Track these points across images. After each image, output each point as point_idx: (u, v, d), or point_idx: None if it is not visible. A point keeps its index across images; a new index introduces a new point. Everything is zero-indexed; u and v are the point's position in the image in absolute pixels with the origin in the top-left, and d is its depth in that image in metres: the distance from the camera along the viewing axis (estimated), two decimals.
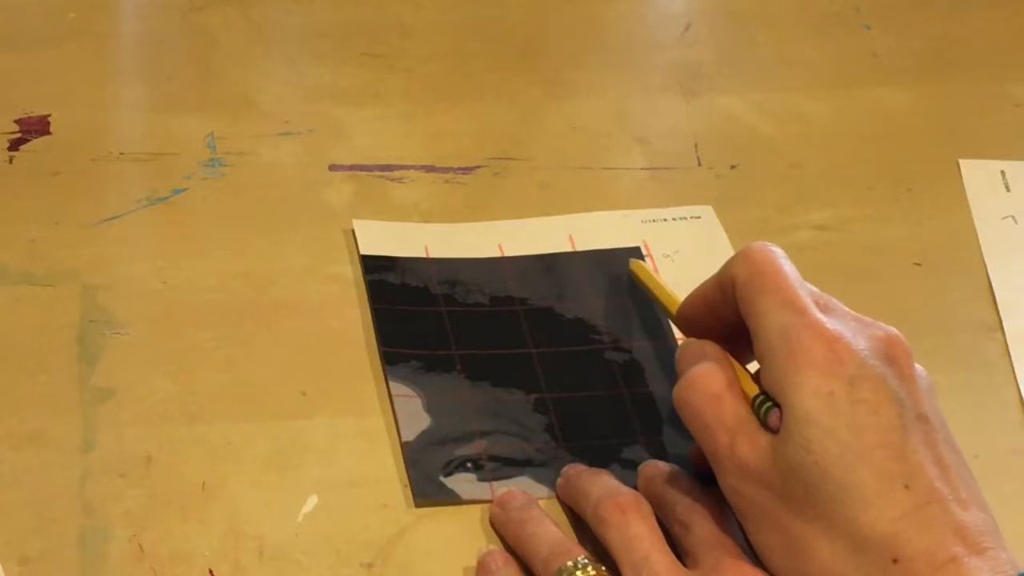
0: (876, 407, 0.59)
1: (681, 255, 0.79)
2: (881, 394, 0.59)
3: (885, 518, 0.58)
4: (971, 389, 0.74)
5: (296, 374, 0.72)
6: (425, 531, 0.66)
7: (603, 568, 0.63)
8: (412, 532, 0.66)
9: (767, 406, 0.61)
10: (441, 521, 0.67)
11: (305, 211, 0.80)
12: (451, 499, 0.68)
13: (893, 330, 0.62)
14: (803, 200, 0.84)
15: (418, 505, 0.67)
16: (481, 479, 0.68)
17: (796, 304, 0.62)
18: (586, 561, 0.62)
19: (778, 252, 0.64)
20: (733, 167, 0.85)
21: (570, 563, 0.62)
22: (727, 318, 0.65)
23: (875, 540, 0.58)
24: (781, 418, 0.60)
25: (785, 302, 0.62)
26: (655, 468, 0.67)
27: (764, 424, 0.61)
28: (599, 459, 0.69)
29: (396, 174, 0.83)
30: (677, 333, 0.73)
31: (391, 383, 0.72)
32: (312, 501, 0.67)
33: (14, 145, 0.82)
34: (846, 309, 0.64)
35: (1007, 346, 0.76)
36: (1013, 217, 0.84)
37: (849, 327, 0.61)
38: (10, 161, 0.81)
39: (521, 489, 0.68)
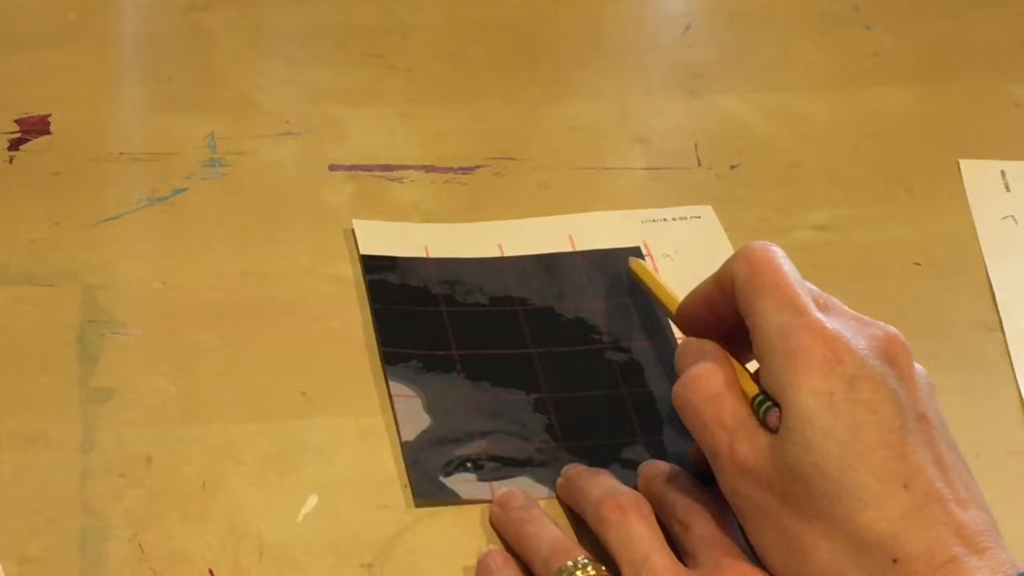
0: (875, 407, 0.59)
1: (681, 255, 0.79)
2: (881, 394, 0.59)
3: (885, 518, 0.58)
4: (971, 389, 0.74)
5: (296, 374, 0.72)
6: (425, 531, 0.66)
7: (603, 568, 0.63)
8: (412, 532, 0.66)
9: (766, 406, 0.61)
10: (441, 521, 0.67)
11: (305, 211, 0.80)
12: (451, 499, 0.68)
13: (893, 330, 0.62)
14: (803, 200, 0.84)
15: (418, 505, 0.67)
16: (481, 479, 0.68)
17: (795, 304, 0.62)
18: (586, 561, 0.62)
19: (777, 251, 0.64)
20: (733, 167, 0.85)
21: (570, 563, 0.62)
22: (727, 317, 0.65)
23: (875, 540, 0.58)
24: (780, 418, 0.60)
25: (784, 302, 0.62)
26: (655, 468, 0.67)
27: (763, 424, 0.61)
28: (599, 459, 0.69)
29: (396, 174, 0.83)
30: (677, 333, 0.73)
31: (391, 383, 0.72)
32: (312, 501, 0.67)
33: (14, 145, 0.82)
34: (846, 309, 0.64)
35: (1007, 346, 0.76)
36: (1013, 217, 0.84)
37: (849, 327, 0.61)
38: (10, 161, 0.81)
39: (521, 489, 0.68)
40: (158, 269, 0.76)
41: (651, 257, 0.79)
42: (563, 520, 0.67)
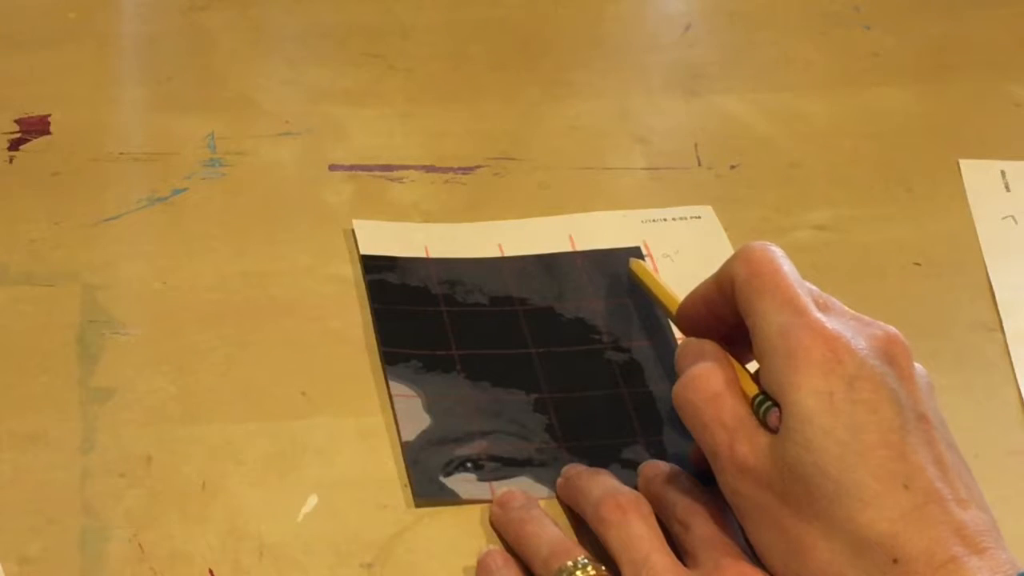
0: (875, 407, 0.59)
1: (681, 255, 0.79)
2: (880, 394, 0.59)
3: (884, 518, 0.58)
4: (971, 389, 0.74)
5: (296, 374, 0.72)
6: (425, 531, 0.66)
7: (603, 568, 0.63)
8: (412, 532, 0.66)
9: (766, 406, 0.61)
10: (441, 521, 0.67)
11: (305, 211, 0.80)
12: (451, 499, 0.68)
13: (892, 330, 0.62)
14: (803, 200, 0.84)
15: (418, 505, 0.67)
16: (481, 479, 0.68)
17: (795, 304, 0.62)
18: (586, 561, 0.62)
19: (777, 252, 0.64)
20: (733, 167, 0.85)
21: (570, 563, 0.62)
22: (726, 318, 0.65)
23: (875, 540, 0.58)
24: (780, 418, 0.60)
25: (784, 302, 0.62)
26: (655, 468, 0.67)
27: (763, 424, 0.61)
28: (599, 459, 0.69)
29: (396, 174, 0.83)
30: (677, 333, 0.73)
31: (391, 383, 0.72)
32: (312, 501, 0.67)
33: (14, 145, 0.82)
34: (845, 309, 0.64)
35: (1007, 346, 0.76)
36: (1013, 217, 0.84)
37: (848, 327, 0.61)
38: (10, 161, 0.81)
39: (521, 489, 0.68)
40: (158, 269, 0.76)
41: (651, 257, 0.79)
42: (563, 520, 0.67)
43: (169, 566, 0.64)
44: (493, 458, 0.69)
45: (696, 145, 0.86)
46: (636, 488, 0.66)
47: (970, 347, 0.77)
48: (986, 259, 0.81)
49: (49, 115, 0.84)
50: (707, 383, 0.63)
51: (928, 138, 0.88)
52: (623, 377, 0.73)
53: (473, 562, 0.65)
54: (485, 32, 0.93)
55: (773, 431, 0.61)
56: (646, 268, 0.76)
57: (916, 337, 0.63)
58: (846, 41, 0.95)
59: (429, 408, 0.71)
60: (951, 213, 0.84)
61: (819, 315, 0.61)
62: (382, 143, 0.85)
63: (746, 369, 0.64)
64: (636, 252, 0.79)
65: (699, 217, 0.82)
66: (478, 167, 0.84)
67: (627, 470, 0.69)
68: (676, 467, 0.67)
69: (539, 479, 0.69)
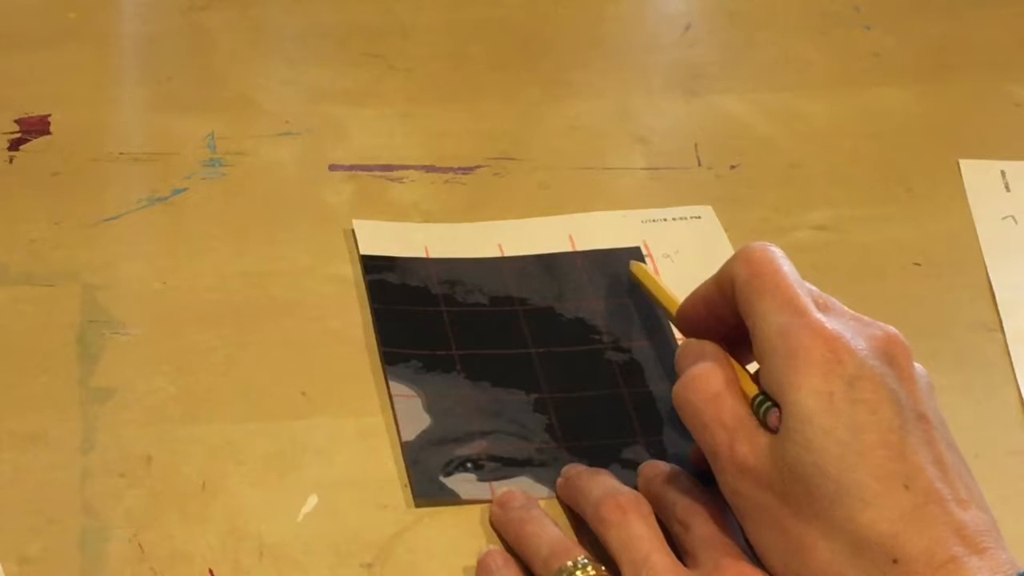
0: (875, 407, 0.59)
1: (681, 255, 0.79)
2: (880, 394, 0.59)
3: (884, 518, 0.58)
4: (971, 389, 0.74)
5: (296, 374, 0.72)
6: (425, 531, 0.66)
7: (603, 568, 0.63)
8: (412, 532, 0.66)
9: (766, 406, 0.61)
10: (441, 521, 0.67)
11: (305, 211, 0.80)
12: (451, 499, 0.68)
13: (892, 330, 0.62)
14: (803, 200, 0.84)
15: (418, 505, 0.67)
16: (481, 479, 0.68)
17: (795, 304, 0.62)
18: (586, 561, 0.62)
19: (777, 252, 0.64)
20: (733, 167, 0.85)
21: (570, 563, 0.62)
22: (727, 318, 0.65)
23: (874, 540, 0.58)
24: (780, 418, 0.60)
25: (784, 302, 0.62)
26: (655, 468, 0.67)
27: (763, 424, 0.61)
28: (599, 459, 0.69)
29: (396, 174, 0.83)
30: (677, 333, 0.73)
31: (391, 383, 0.72)
32: (312, 501, 0.67)
33: (14, 145, 0.82)
34: (845, 309, 0.64)
35: (1007, 346, 0.76)
36: (1013, 217, 0.84)
37: (848, 327, 0.61)
38: (10, 161, 0.81)
39: (521, 489, 0.68)
40: (158, 269, 0.76)
41: (651, 257, 0.79)
42: (563, 520, 0.67)
43: (169, 566, 0.64)
44: (493, 458, 0.69)
45: (696, 145, 0.86)
46: (636, 488, 0.66)
47: (970, 347, 0.77)
48: (986, 259, 0.81)
49: (49, 115, 0.84)
50: (707, 383, 0.63)
51: (928, 138, 0.88)
52: (623, 377, 0.73)
53: (473, 562, 0.65)
54: (485, 32, 0.93)
55: (773, 431, 0.61)
56: (646, 270, 0.76)
57: (916, 337, 0.63)
58: (846, 41, 0.95)
59: (429, 408, 0.71)
60: (951, 213, 0.84)
61: (819, 315, 0.61)
62: (382, 143, 0.85)
63: (746, 369, 0.64)
64: (636, 252, 0.79)
65: (699, 217, 0.82)
66: (478, 167, 0.84)
67: (627, 470, 0.68)
68: (676, 467, 0.67)
69: (539, 479, 0.69)
